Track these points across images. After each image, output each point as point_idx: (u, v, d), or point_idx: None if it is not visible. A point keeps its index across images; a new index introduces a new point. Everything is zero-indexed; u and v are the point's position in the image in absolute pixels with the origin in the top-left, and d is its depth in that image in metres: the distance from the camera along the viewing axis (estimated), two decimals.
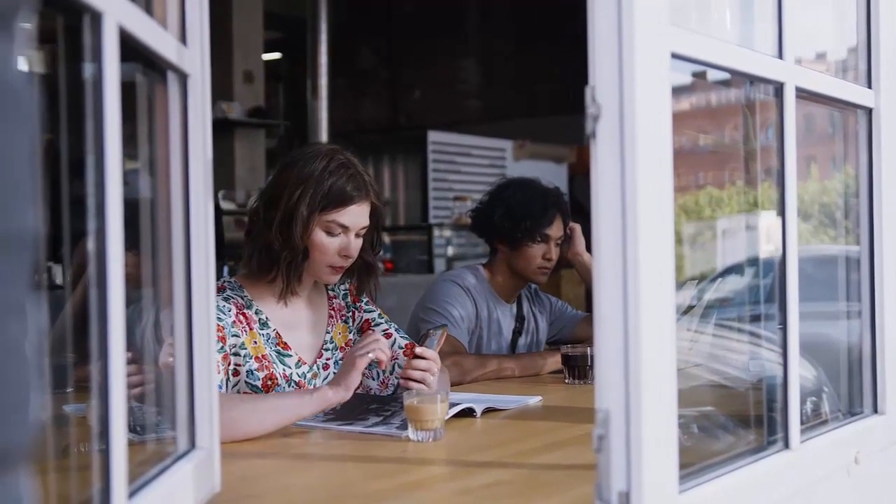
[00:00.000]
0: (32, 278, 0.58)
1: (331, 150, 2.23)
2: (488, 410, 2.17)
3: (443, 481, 1.63)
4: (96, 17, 0.99)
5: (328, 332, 2.34)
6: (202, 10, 1.37)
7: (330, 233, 2.18)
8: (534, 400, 2.34)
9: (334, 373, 2.29)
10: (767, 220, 1.87)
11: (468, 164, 8.30)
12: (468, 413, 2.11)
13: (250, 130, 7.84)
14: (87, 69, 1.01)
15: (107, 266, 1.00)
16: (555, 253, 3.01)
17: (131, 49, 1.11)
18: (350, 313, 2.40)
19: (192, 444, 1.36)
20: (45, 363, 0.60)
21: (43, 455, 1.03)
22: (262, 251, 2.19)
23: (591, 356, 2.64)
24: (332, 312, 2.37)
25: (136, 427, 1.34)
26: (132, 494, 1.08)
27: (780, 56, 1.51)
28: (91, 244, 1.00)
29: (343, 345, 2.36)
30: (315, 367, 2.28)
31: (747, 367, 1.99)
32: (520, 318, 3.14)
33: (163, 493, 1.18)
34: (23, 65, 0.60)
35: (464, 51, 9.86)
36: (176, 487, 1.24)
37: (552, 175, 7.07)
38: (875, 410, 1.80)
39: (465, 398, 2.16)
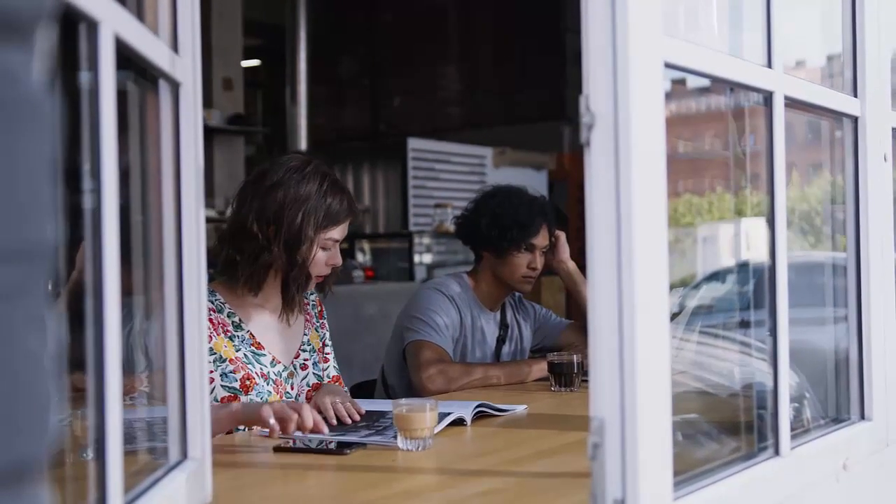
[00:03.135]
0: (50, 290, 0.58)
1: (316, 167, 2.30)
2: (479, 415, 2.18)
3: (435, 490, 1.63)
4: (92, 26, 0.99)
5: (305, 335, 2.42)
6: (194, 18, 1.37)
7: (324, 248, 2.29)
8: (521, 408, 2.34)
9: (314, 373, 2.40)
10: (749, 227, 1.88)
11: (448, 172, 8.29)
12: (458, 421, 2.11)
13: (230, 137, 7.82)
14: (83, 77, 1.01)
15: (103, 275, 0.99)
16: (540, 262, 3.01)
17: (124, 57, 1.10)
18: (319, 323, 2.50)
19: (184, 455, 1.35)
20: (63, 375, 0.60)
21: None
22: (262, 269, 2.25)
23: (578, 364, 2.65)
24: (308, 316, 2.46)
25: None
26: None
27: (769, 65, 1.52)
28: (87, 252, 0.99)
29: (317, 349, 2.45)
30: (292, 367, 2.35)
31: (733, 374, 2.00)
32: (504, 326, 3.14)
33: None
34: (42, 75, 0.60)
35: (444, 58, 9.88)
36: (169, 498, 1.23)
37: (532, 182, 7.07)
38: (862, 417, 1.81)
39: (453, 407, 2.16)
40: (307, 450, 1.87)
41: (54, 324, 0.58)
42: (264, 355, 2.28)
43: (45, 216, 0.57)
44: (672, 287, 2.20)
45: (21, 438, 0.55)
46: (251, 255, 2.23)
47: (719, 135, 1.98)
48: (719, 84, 1.59)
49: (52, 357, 0.58)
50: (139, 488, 1.18)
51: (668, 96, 1.50)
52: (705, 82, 1.58)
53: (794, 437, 1.55)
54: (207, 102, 7.30)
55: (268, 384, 2.24)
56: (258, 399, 2.21)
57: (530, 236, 2.98)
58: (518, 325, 3.19)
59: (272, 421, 1.90)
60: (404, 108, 10.05)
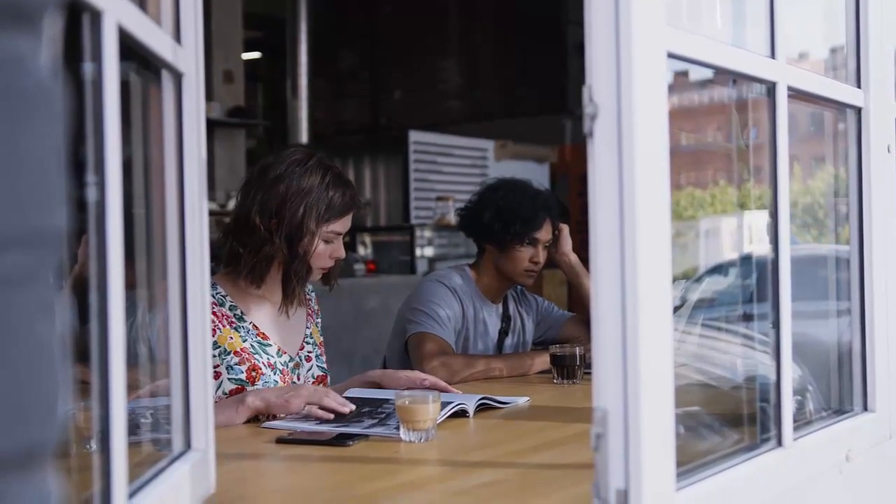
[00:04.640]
0: (59, 277, 0.58)
1: (318, 160, 2.32)
2: (481, 407, 2.19)
3: (438, 481, 1.63)
4: (96, 16, 0.98)
5: (308, 328, 2.45)
6: (196, 8, 1.37)
7: (327, 241, 2.30)
8: (523, 400, 2.35)
9: (317, 366, 2.43)
10: (752, 220, 1.88)
11: (450, 165, 8.29)
12: (460, 413, 2.11)
13: (230, 130, 7.82)
14: (86, 68, 1.01)
15: (107, 267, 0.99)
16: (542, 256, 3.01)
17: (127, 48, 1.10)
18: (318, 321, 2.53)
19: (188, 446, 1.35)
20: (70, 361, 0.60)
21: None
22: (264, 261, 2.26)
23: (580, 356, 2.65)
24: (310, 311, 2.49)
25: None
26: (131, 495, 1.07)
27: (773, 55, 1.52)
28: (91, 245, 0.99)
29: (318, 342, 2.48)
30: (297, 358, 2.38)
31: (736, 366, 2.00)
32: (506, 319, 3.14)
33: (161, 494, 1.17)
34: (50, 62, 0.60)
35: (444, 51, 9.87)
36: (173, 488, 1.23)
37: (534, 175, 7.06)
38: (865, 408, 1.81)
39: (455, 398, 2.16)
40: (310, 441, 1.87)
41: (63, 311, 0.59)
42: (270, 345, 2.30)
43: (54, 203, 0.58)
44: (674, 280, 2.20)
45: (30, 424, 0.55)
46: (254, 248, 2.25)
47: (722, 127, 1.98)
48: (722, 75, 1.58)
49: (61, 343, 0.58)
50: (143, 478, 1.18)
51: (671, 89, 1.50)
52: (708, 74, 1.58)
53: (796, 428, 1.56)
54: (208, 95, 7.25)
55: (275, 374, 2.27)
56: None
57: (533, 230, 2.98)
58: (521, 317, 3.19)
59: (306, 409, 2.05)
60: (405, 101, 10.04)
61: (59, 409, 0.58)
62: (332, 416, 2.03)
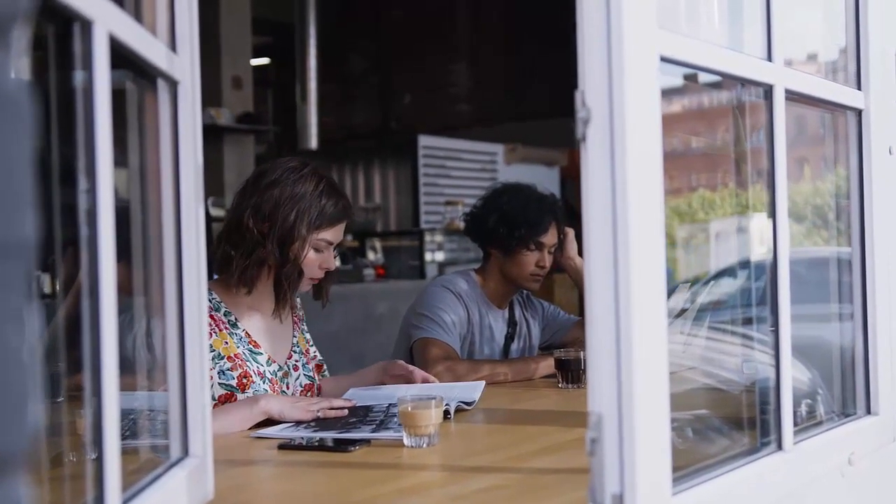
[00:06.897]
0: (30, 285, 0.59)
1: (313, 169, 2.34)
2: (459, 410, 2.22)
3: (438, 486, 1.63)
4: (86, 25, 0.99)
5: (294, 336, 2.46)
6: (192, 17, 1.37)
7: (317, 249, 2.32)
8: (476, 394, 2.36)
9: (304, 374, 2.44)
10: (759, 223, 1.88)
11: (459, 169, 8.28)
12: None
13: (239, 136, 7.82)
14: (78, 77, 1.01)
15: (99, 275, 1.00)
16: (548, 260, 3.01)
17: (121, 56, 1.11)
18: (304, 326, 2.54)
19: (186, 452, 1.36)
20: (41, 370, 0.61)
21: (36, 464, 1.03)
22: (255, 265, 2.28)
23: (585, 360, 2.64)
24: (296, 320, 2.50)
25: (126, 433, 1.34)
26: (126, 502, 1.08)
27: (769, 58, 1.51)
28: (83, 253, 1.00)
29: (304, 350, 2.49)
30: (286, 367, 2.39)
31: (741, 369, 2.00)
32: (512, 324, 3.14)
33: (156, 501, 1.17)
34: (20, 73, 0.60)
35: (454, 55, 9.87)
36: (169, 495, 1.23)
37: (544, 179, 7.07)
38: (868, 411, 1.80)
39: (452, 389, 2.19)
40: (311, 447, 1.87)
41: (35, 319, 0.59)
42: (261, 354, 2.32)
43: (24, 213, 0.58)
44: (684, 282, 2.19)
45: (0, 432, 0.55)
46: (245, 251, 2.26)
47: (731, 130, 1.98)
48: (720, 78, 1.58)
49: (32, 352, 0.58)
50: (139, 485, 1.18)
51: (681, 91, 1.50)
52: (718, 77, 1.57)
53: (798, 431, 1.55)
54: (216, 101, 7.31)
55: (264, 383, 2.28)
56: None
57: (539, 234, 2.97)
58: (527, 322, 3.19)
59: (321, 413, 2.13)
60: (415, 105, 10.04)
61: (30, 417, 0.58)
62: (346, 412, 2.14)
